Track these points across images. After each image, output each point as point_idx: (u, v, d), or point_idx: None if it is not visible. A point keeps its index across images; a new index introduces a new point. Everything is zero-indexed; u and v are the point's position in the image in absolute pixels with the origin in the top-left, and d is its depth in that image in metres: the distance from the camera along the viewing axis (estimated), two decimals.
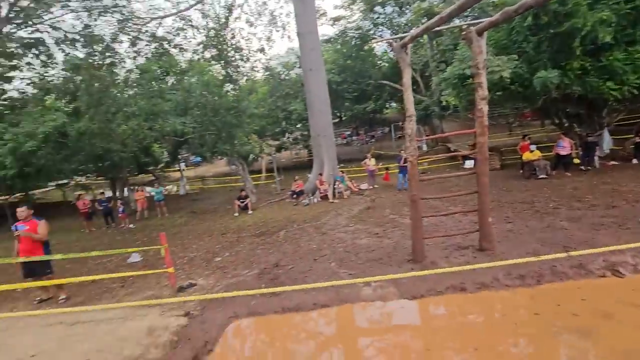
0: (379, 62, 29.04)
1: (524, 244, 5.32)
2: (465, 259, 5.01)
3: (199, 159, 35.64)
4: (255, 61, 16.66)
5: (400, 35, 5.67)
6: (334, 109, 22.77)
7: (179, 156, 26.43)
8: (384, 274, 4.78)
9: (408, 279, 4.59)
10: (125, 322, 4.34)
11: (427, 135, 20.52)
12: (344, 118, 32.55)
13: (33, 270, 5.24)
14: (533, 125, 22.09)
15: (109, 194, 15.65)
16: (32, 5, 11.65)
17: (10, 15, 12.18)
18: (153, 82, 13.03)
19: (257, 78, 19.10)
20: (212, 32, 13.24)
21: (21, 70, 14.35)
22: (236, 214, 11.89)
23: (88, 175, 20.49)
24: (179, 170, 24.79)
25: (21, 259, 5.14)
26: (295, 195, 13.13)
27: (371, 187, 13.79)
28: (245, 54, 14.29)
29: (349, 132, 33.39)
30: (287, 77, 24.48)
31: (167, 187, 21.82)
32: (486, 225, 5.12)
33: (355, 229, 7.71)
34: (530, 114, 19.67)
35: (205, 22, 13.84)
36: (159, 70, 14.78)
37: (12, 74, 14.50)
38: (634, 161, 11.17)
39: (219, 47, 13.12)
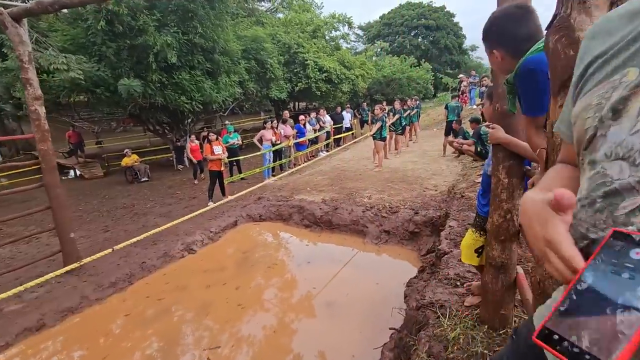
0: None
1: (118, 250, 4.65)
2: (44, 289, 4.24)
3: None
4: None
5: None
6: None
7: None
8: None
9: None
10: None
11: None
12: None
13: None
14: (136, 130, 20.57)
15: None
16: None
17: None
18: None
19: None
20: None
21: None
22: None
23: None
24: None
25: None
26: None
27: None
28: None
29: None
30: None
31: None
32: (68, 243, 4.52)
33: None
34: (131, 120, 17.14)
35: None
36: None
37: None
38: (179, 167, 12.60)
39: None
